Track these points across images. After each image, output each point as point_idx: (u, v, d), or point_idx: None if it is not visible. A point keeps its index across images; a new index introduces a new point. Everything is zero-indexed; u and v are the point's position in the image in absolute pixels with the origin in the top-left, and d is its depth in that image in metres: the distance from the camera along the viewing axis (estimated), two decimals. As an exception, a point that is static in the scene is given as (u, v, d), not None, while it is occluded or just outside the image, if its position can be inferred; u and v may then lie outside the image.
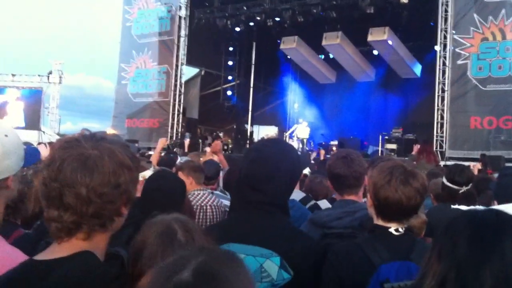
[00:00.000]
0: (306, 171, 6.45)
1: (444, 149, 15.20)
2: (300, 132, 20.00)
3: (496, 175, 5.55)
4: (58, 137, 20.24)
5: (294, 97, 25.84)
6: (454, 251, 1.31)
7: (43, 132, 23.44)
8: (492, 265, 1.25)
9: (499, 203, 2.94)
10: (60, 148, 1.42)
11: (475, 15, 14.88)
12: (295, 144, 19.70)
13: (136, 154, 3.78)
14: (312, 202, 3.86)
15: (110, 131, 15.75)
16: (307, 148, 19.59)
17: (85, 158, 1.39)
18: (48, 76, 24.41)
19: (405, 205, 2.12)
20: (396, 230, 2.14)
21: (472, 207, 2.25)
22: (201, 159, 8.71)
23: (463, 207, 2.38)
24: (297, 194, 3.85)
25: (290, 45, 21.55)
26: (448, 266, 1.30)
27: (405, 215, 2.17)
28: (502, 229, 1.31)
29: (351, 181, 2.78)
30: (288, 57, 23.58)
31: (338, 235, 2.47)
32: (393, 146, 18.25)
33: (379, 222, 2.20)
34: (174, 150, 16.43)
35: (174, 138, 20.63)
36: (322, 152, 14.87)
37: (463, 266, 1.28)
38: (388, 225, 2.17)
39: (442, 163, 12.82)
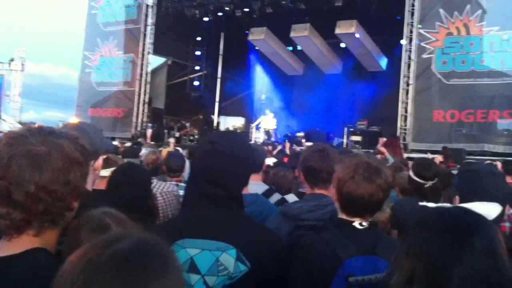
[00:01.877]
0: (270, 161, 6.39)
1: (407, 142, 15.44)
2: (266, 123, 19.96)
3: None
4: (19, 125, 19.71)
5: (261, 88, 25.74)
6: (423, 247, 1.29)
7: (3, 120, 22.83)
8: (461, 264, 1.23)
9: (461, 199, 2.84)
10: (6, 144, 1.35)
11: (441, 10, 15.10)
12: (261, 135, 19.69)
13: (110, 149, 3.68)
14: (279, 196, 3.80)
15: (74, 120, 15.39)
16: (273, 139, 19.57)
17: (33, 155, 1.33)
18: (10, 63, 23.76)
19: (367, 201, 2.12)
20: (360, 224, 2.15)
21: (440, 204, 2.23)
22: (164, 149, 8.64)
23: (431, 204, 2.36)
24: (260, 187, 3.79)
25: (259, 36, 21.52)
26: (417, 262, 1.27)
27: (368, 210, 2.18)
28: (472, 228, 1.30)
29: (324, 175, 2.76)
30: (256, 48, 23.53)
31: (310, 227, 2.46)
32: (358, 138, 18.47)
33: (343, 216, 2.21)
34: (139, 140, 16.18)
35: (139, 128, 20.34)
36: (287, 144, 14.88)
37: (432, 263, 1.26)
38: (351, 219, 2.17)
39: (405, 155, 13.01)
